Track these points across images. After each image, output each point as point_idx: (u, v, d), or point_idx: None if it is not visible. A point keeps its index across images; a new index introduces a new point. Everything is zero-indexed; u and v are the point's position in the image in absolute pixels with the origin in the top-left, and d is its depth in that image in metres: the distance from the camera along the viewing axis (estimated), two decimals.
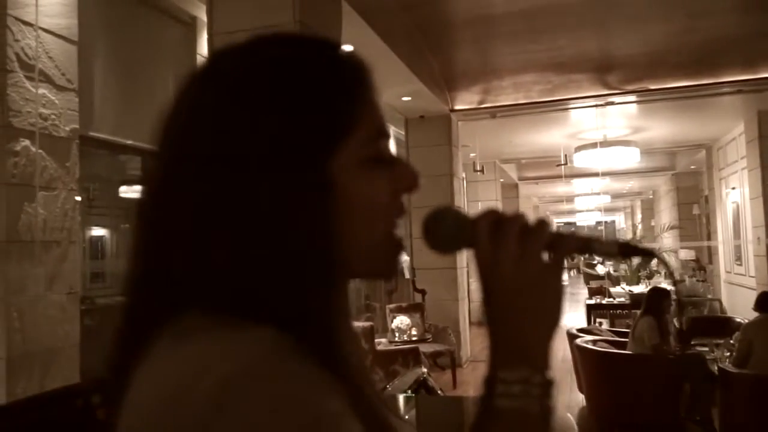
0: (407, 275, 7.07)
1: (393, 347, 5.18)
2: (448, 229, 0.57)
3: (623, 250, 0.59)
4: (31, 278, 3.43)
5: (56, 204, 3.70)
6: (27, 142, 3.56)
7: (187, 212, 0.51)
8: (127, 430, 0.46)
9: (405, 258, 8.33)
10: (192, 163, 0.51)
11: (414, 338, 5.66)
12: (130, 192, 7.23)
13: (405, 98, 6.55)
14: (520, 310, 0.54)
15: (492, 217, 0.56)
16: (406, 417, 1.89)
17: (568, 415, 1.96)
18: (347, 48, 0.58)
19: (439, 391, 2.45)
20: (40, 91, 3.68)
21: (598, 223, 27.39)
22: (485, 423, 0.52)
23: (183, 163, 0.52)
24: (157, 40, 4.89)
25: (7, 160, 3.43)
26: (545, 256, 0.55)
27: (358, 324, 5.40)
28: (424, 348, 5.55)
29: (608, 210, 25.52)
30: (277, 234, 0.49)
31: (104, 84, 4.49)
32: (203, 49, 4.95)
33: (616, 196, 19.34)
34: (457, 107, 7.29)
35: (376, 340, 5.15)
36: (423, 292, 6.61)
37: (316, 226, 0.50)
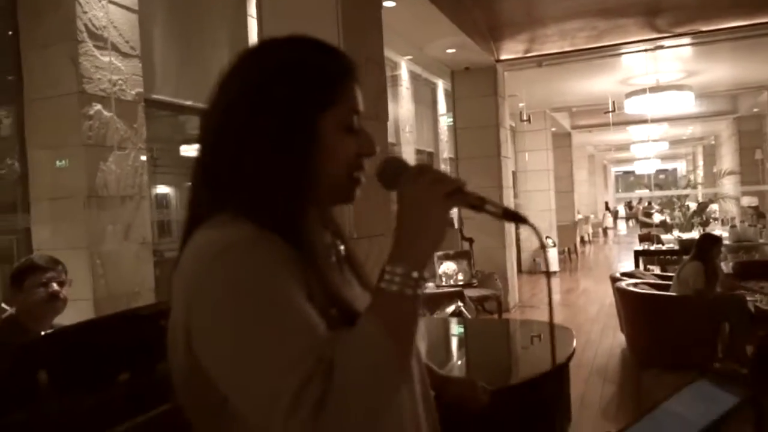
0: (455, 224, 7.29)
1: (439, 291, 5.47)
2: (391, 172, 0.83)
3: (506, 214, 0.82)
4: (109, 230, 3.84)
5: (127, 162, 4.08)
6: (99, 107, 3.92)
7: (223, 149, 0.82)
8: (175, 279, 0.78)
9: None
10: (233, 116, 0.82)
11: (460, 283, 5.93)
12: (191, 151, 7.64)
13: (450, 50, 6.63)
14: (411, 226, 0.77)
15: (421, 167, 0.82)
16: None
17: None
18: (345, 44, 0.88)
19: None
20: (108, 58, 4.02)
21: (659, 171, 26.54)
22: (374, 300, 0.76)
23: (228, 116, 0.82)
24: (210, 6, 5.16)
25: (83, 123, 3.80)
26: (445, 199, 0.78)
27: None
28: (471, 292, 5.80)
29: (669, 157, 24.72)
30: (275, 163, 0.79)
31: (164, 49, 4.81)
32: (252, 10, 5.18)
33: (675, 142, 18.75)
34: (502, 57, 7.31)
35: None
36: (470, 240, 6.83)
37: (302, 159, 0.80)
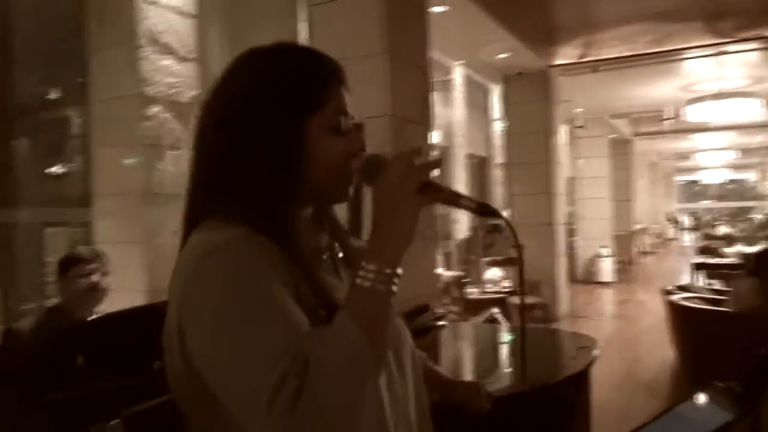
0: (504, 231, 7.22)
1: (483, 297, 5.45)
2: (371, 169, 0.85)
3: (481, 209, 0.82)
4: (163, 225, 4.02)
5: (181, 161, 4.26)
6: (157, 108, 4.12)
7: (213, 153, 0.87)
8: (171, 280, 0.83)
9: (504, 213, 8.43)
10: (221, 121, 0.87)
11: (505, 290, 5.88)
12: None
13: (502, 55, 6.60)
14: (383, 224, 0.80)
15: (392, 161, 0.82)
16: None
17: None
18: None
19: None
20: (166, 62, 4.22)
21: (731, 181, 25.34)
22: (348, 296, 0.78)
23: (217, 122, 0.87)
24: (263, 11, 5.31)
25: (142, 124, 4.00)
26: (416, 194, 0.79)
27: (451, 274, 5.71)
28: (516, 300, 5.76)
29: (739, 167, 23.63)
30: (261, 166, 0.83)
31: (219, 53, 4.99)
32: (303, 15, 5.31)
33: (745, 151, 17.92)
34: (556, 62, 7.21)
35: (468, 290, 5.44)
36: (519, 247, 6.75)
37: (290, 162, 0.84)
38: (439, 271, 5.58)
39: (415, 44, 3.70)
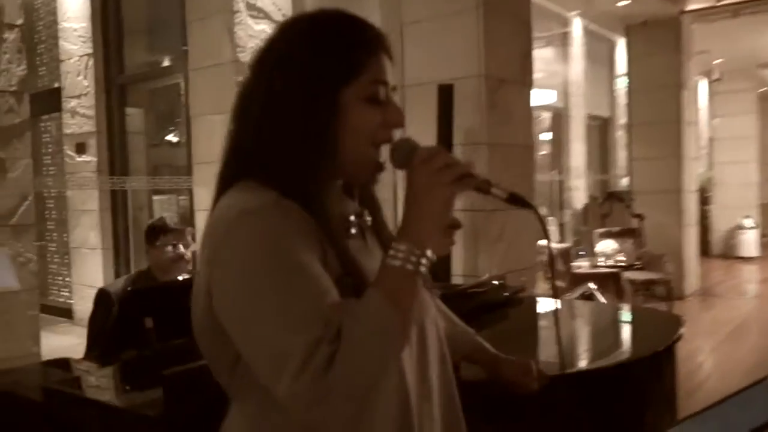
0: (624, 199, 6.89)
1: (593, 271, 5.25)
2: (402, 153, 0.87)
3: (511, 198, 0.85)
4: None
5: None
6: None
7: (248, 118, 0.91)
8: (202, 240, 0.88)
9: (624, 181, 8.04)
10: (258, 86, 0.91)
11: (620, 264, 5.62)
12: None
13: (622, 2, 6.19)
14: (419, 207, 0.82)
15: (433, 150, 0.85)
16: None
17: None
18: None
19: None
20: (261, 26, 4.38)
21: None
22: (379, 273, 0.82)
23: (254, 87, 0.92)
24: None
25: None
26: (453, 183, 0.82)
27: (558, 245, 5.54)
28: (634, 275, 5.49)
29: None
30: (294, 133, 0.87)
31: None
32: None
33: None
34: (688, 8, 6.65)
35: (576, 263, 5.26)
36: (640, 217, 6.42)
37: (321, 131, 0.87)
38: (543, 242, 5.44)
39: None
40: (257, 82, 0.91)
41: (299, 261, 0.80)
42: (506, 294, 2.06)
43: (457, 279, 3.29)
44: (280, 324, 0.77)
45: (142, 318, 1.54)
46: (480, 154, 3.35)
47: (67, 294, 6.38)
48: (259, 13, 4.41)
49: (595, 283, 4.27)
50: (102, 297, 2.15)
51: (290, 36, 0.92)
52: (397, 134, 0.95)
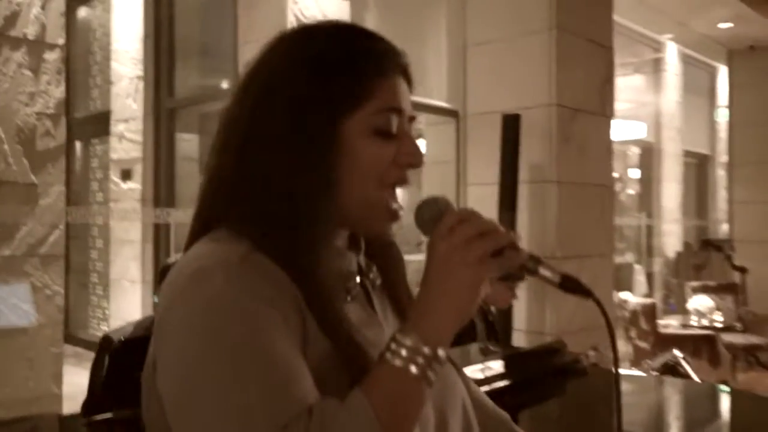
0: (726, 250, 6.50)
1: (683, 332, 4.91)
2: (428, 216, 0.76)
3: (565, 281, 0.72)
4: None
5: None
6: None
7: (228, 150, 0.80)
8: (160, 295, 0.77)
9: (723, 227, 7.60)
10: (241, 113, 0.81)
11: (717, 325, 5.26)
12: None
13: (724, 25, 5.92)
14: (436, 291, 0.71)
15: (462, 215, 0.73)
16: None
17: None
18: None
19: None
20: None
21: None
22: (373, 370, 0.69)
23: (237, 113, 0.82)
24: None
25: None
26: (484, 260, 0.70)
27: (640, 300, 5.24)
28: (733, 339, 5.12)
29: None
30: (281, 171, 0.76)
31: None
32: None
33: None
34: None
35: (663, 321, 4.93)
36: (742, 270, 6.03)
37: (314, 168, 0.76)
38: (626, 295, 5.15)
39: (592, 15, 3.44)
40: (239, 108, 0.81)
41: (260, 340, 0.67)
42: (566, 361, 1.88)
43: (519, 336, 3.11)
44: (215, 417, 0.65)
45: (137, 372, 1.46)
46: (549, 193, 3.20)
47: (106, 328, 6.52)
48: None
49: (685, 347, 3.97)
50: (103, 344, 2.10)
51: (280, 53, 0.82)
52: (413, 175, 0.84)
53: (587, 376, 1.88)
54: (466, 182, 3.54)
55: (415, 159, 0.80)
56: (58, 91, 3.41)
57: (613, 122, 3.64)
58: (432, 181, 5.93)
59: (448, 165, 4.01)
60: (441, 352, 0.70)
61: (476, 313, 2.19)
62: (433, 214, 0.76)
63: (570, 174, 3.27)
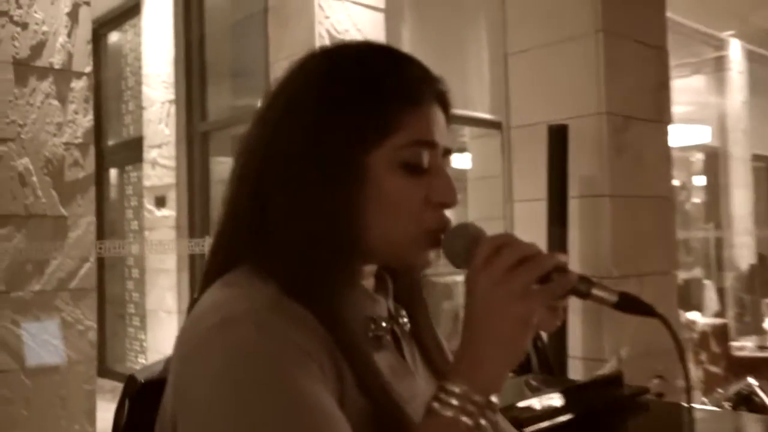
0: None
1: (760, 354, 4.70)
2: (458, 247, 0.73)
3: (624, 301, 0.68)
4: None
5: None
6: None
7: (248, 183, 0.78)
8: (175, 346, 0.75)
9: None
10: (260, 143, 0.79)
11: None
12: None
13: None
14: (482, 332, 0.68)
15: (498, 241, 0.69)
16: None
17: None
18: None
19: None
20: None
21: None
22: (423, 423, 0.67)
23: (255, 143, 0.79)
24: (463, 3, 5.29)
25: None
26: (530, 289, 0.67)
27: (709, 320, 5.05)
28: None
29: None
30: (303, 209, 0.73)
31: (412, 51, 5.08)
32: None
33: None
34: None
35: (736, 343, 4.73)
36: None
37: (338, 209, 0.72)
38: (694, 315, 4.95)
39: (642, 15, 3.36)
40: (257, 136, 0.79)
41: (302, 393, 0.64)
42: (625, 394, 1.80)
43: (575, 364, 3.02)
44: None
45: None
46: (602, 208, 3.11)
47: (143, 361, 6.61)
48: None
49: (762, 373, 3.80)
50: (127, 385, 2.09)
51: (302, 77, 0.79)
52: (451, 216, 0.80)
53: (649, 411, 1.80)
54: (512, 198, 3.48)
55: (449, 197, 0.77)
56: (86, 120, 3.49)
57: (671, 128, 3.54)
58: (478, 198, 5.86)
59: (495, 180, 3.95)
60: (494, 399, 0.68)
61: None
62: (465, 245, 0.72)
63: (624, 186, 3.18)
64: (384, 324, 0.80)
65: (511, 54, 3.48)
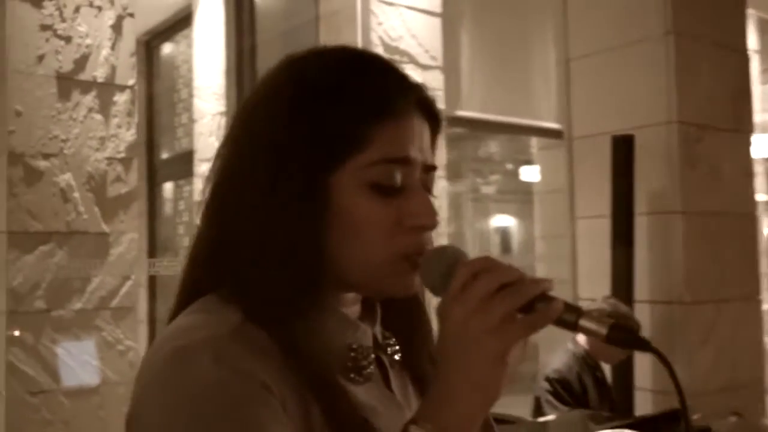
0: None
1: None
2: (435, 273, 0.70)
3: (614, 335, 0.64)
4: None
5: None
6: None
7: (215, 204, 0.79)
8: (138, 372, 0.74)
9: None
10: (227, 161, 0.79)
11: None
12: (531, 174, 7.72)
13: None
14: (452, 369, 0.65)
15: (476, 266, 0.66)
16: None
17: None
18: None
19: None
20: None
21: None
22: None
23: (223, 160, 0.80)
24: (525, 6, 5.24)
25: None
26: (508, 321, 0.64)
27: None
28: None
29: None
30: (262, 236, 0.72)
31: (471, 57, 5.05)
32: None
33: None
34: None
35: None
36: None
37: (296, 234, 0.71)
38: None
39: (719, 14, 3.26)
40: (223, 157, 0.80)
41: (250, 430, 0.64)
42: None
43: (643, 397, 2.92)
44: None
45: None
46: (674, 226, 3.01)
47: None
48: (402, 57, 4.45)
49: None
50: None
51: (263, 91, 0.79)
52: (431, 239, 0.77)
53: None
54: (574, 215, 3.41)
55: (425, 220, 0.74)
56: (129, 134, 3.60)
57: (754, 138, 3.41)
58: (545, 213, 5.75)
59: (561, 194, 3.88)
60: None
61: (585, 370, 2.13)
62: (442, 270, 0.70)
63: (699, 202, 3.06)
64: (366, 353, 0.78)
65: (573, 59, 3.42)
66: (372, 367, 0.78)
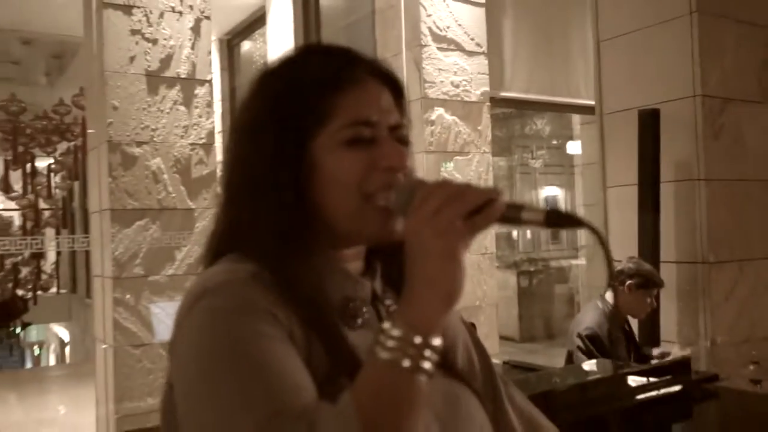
0: None
1: None
2: (401, 201, 0.72)
3: (550, 218, 0.64)
4: None
5: (470, 167, 4.36)
6: (441, 111, 4.30)
7: (227, 180, 0.85)
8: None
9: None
10: (231, 150, 0.85)
11: None
12: (577, 148, 7.59)
13: None
14: (412, 273, 0.66)
15: (431, 187, 0.69)
16: None
17: None
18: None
19: None
20: (451, 59, 4.38)
21: None
22: (365, 364, 0.66)
23: (229, 149, 0.86)
24: None
25: (425, 129, 4.21)
26: (453, 225, 0.65)
27: None
28: None
29: None
30: (266, 197, 0.78)
31: (514, 42, 4.96)
32: None
33: None
34: None
35: None
36: None
37: (287, 192, 0.77)
38: None
39: None
40: (226, 147, 0.87)
41: (261, 350, 0.68)
42: (692, 380, 1.68)
43: (668, 348, 2.86)
44: (215, 420, 0.67)
45: None
46: (697, 193, 2.91)
47: None
48: (449, 45, 4.42)
49: None
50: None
51: (249, 89, 0.86)
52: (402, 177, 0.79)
53: (719, 399, 1.67)
54: (605, 184, 3.33)
55: (394, 160, 0.76)
56: (208, 123, 3.70)
57: None
58: (585, 184, 5.63)
59: (598, 166, 3.81)
60: (435, 341, 0.65)
61: (614, 325, 2.09)
62: (407, 197, 0.71)
63: (722, 170, 2.95)
64: (364, 304, 0.80)
65: (602, 41, 3.32)
66: (367, 315, 0.81)
